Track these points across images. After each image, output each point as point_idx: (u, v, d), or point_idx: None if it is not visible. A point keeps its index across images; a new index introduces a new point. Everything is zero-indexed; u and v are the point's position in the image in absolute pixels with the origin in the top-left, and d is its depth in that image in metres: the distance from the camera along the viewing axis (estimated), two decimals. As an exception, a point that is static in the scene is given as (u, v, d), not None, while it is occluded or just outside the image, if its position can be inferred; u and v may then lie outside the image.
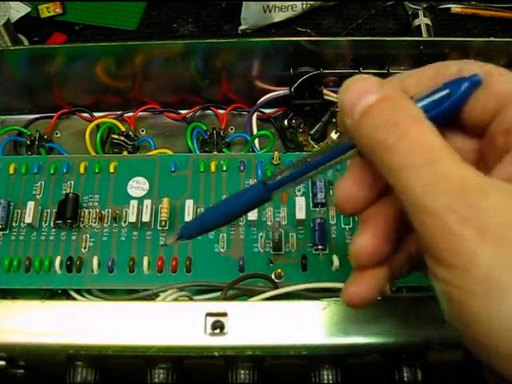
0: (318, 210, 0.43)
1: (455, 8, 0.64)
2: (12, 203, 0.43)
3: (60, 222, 0.41)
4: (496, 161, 0.22)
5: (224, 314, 0.30)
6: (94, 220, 0.42)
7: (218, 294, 0.37)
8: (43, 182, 0.44)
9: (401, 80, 0.24)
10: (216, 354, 0.30)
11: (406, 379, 0.32)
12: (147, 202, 0.42)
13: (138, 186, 0.44)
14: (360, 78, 0.23)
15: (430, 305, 0.31)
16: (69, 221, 0.41)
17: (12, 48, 0.51)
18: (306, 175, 0.25)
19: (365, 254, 0.23)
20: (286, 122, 0.50)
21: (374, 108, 0.22)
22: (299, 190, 0.43)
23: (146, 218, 0.41)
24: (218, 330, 0.30)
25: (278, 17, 0.62)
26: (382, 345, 0.30)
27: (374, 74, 0.46)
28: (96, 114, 0.52)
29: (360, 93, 0.22)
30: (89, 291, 0.40)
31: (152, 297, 0.38)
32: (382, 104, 0.22)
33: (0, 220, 0.41)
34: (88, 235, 0.42)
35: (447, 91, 0.23)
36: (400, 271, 0.25)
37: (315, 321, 0.30)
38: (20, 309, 0.31)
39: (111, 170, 0.44)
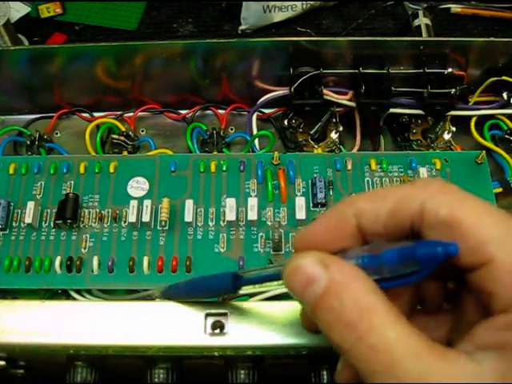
0: (317, 210, 0.43)
1: (455, 8, 0.64)
2: (12, 203, 0.43)
3: (60, 221, 0.41)
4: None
5: (224, 314, 0.30)
6: (93, 220, 0.42)
7: (218, 294, 0.37)
8: (43, 182, 0.44)
9: (357, 208, 0.23)
10: (216, 353, 0.30)
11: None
12: (147, 202, 0.42)
13: (138, 186, 0.44)
14: (303, 263, 0.21)
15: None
16: (69, 221, 0.41)
17: (12, 48, 0.51)
18: (274, 282, 0.25)
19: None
20: (286, 122, 0.50)
21: (323, 302, 0.20)
22: (299, 190, 0.43)
23: (145, 218, 0.41)
24: (218, 330, 0.30)
25: (278, 17, 0.62)
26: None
27: (374, 74, 0.47)
28: (96, 114, 0.52)
29: (305, 282, 0.21)
30: (89, 291, 0.40)
31: (152, 297, 0.38)
32: (329, 297, 0.20)
33: (0, 220, 0.41)
34: (88, 235, 0.42)
35: (415, 268, 0.20)
36: None
37: (315, 321, 0.30)
38: (20, 309, 0.31)
39: (111, 170, 0.44)
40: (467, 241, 0.20)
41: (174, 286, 0.32)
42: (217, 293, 0.29)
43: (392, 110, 0.48)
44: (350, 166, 0.44)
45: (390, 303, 0.20)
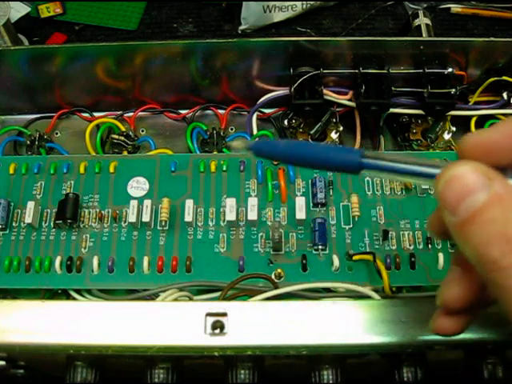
0: (317, 209, 0.43)
1: (455, 8, 0.64)
2: (12, 203, 0.43)
3: (60, 221, 0.41)
4: None
5: (224, 314, 0.30)
6: (93, 220, 0.42)
7: (217, 294, 0.37)
8: (43, 182, 0.44)
9: None
10: (216, 353, 0.30)
11: (405, 379, 0.32)
12: (147, 202, 0.42)
13: (137, 186, 0.44)
14: (464, 171, 0.20)
15: (430, 305, 0.31)
16: (69, 221, 0.41)
17: (12, 48, 0.51)
18: (399, 175, 0.23)
19: (453, 304, 0.23)
20: (286, 122, 0.50)
21: (484, 214, 0.19)
22: (299, 190, 0.43)
23: (146, 218, 0.41)
24: (218, 330, 0.30)
25: (278, 17, 0.62)
26: (382, 345, 0.30)
27: (374, 74, 0.47)
28: (96, 114, 0.52)
29: (465, 190, 0.20)
30: (89, 291, 0.40)
31: (152, 297, 0.38)
32: (492, 210, 0.19)
33: (0, 220, 0.41)
34: (88, 235, 0.42)
35: None
36: (481, 307, 0.24)
37: (315, 321, 0.30)
38: (20, 309, 0.31)
39: (111, 170, 0.44)
40: None
41: (271, 143, 0.28)
42: (335, 166, 0.25)
43: (392, 110, 0.48)
44: (350, 166, 0.44)
45: None
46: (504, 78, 0.47)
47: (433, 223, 0.24)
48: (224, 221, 0.42)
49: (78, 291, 0.40)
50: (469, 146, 0.22)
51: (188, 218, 0.41)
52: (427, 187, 0.42)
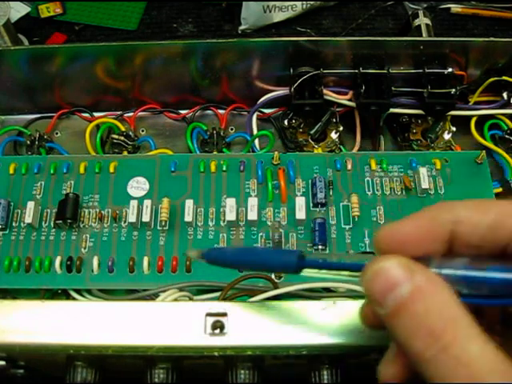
0: (317, 209, 0.43)
1: (455, 8, 0.64)
2: (12, 203, 0.43)
3: (60, 221, 0.41)
4: None
5: (224, 314, 0.30)
6: (93, 220, 0.42)
7: (217, 294, 0.37)
8: (43, 182, 0.44)
9: (456, 215, 0.22)
10: (216, 353, 0.30)
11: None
12: (147, 202, 0.42)
13: (138, 186, 0.44)
14: (387, 266, 0.21)
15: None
16: (69, 221, 0.41)
17: (12, 48, 0.51)
18: (344, 272, 0.24)
19: (392, 381, 0.23)
20: (286, 122, 0.50)
21: (407, 307, 0.20)
22: (299, 190, 0.43)
23: (146, 218, 0.41)
24: (217, 330, 0.30)
25: (278, 17, 0.62)
26: (382, 345, 0.30)
27: (374, 74, 0.47)
28: (96, 114, 0.52)
29: (389, 284, 0.20)
30: (89, 291, 0.40)
31: (152, 297, 0.38)
32: (415, 303, 0.20)
33: (0, 220, 0.41)
34: (88, 235, 0.42)
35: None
36: None
37: (315, 321, 0.30)
38: (20, 309, 0.31)
39: (111, 170, 0.44)
40: None
41: (222, 250, 0.30)
42: (275, 269, 0.27)
43: (392, 110, 0.48)
44: (349, 166, 0.44)
45: (472, 317, 0.20)
46: (504, 78, 0.47)
47: (366, 316, 0.25)
48: (224, 221, 0.42)
49: (78, 291, 0.40)
50: (383, 240, 0.23)
51: (188, 218, 0.41)
52: (427, 187, 0.42)
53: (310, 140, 0.48)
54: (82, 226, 0.42)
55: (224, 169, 0.44)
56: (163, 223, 0.42)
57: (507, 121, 0.49)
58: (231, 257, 0.28)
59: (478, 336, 0.19)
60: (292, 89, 0.48)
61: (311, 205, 0.43)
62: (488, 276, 0.20)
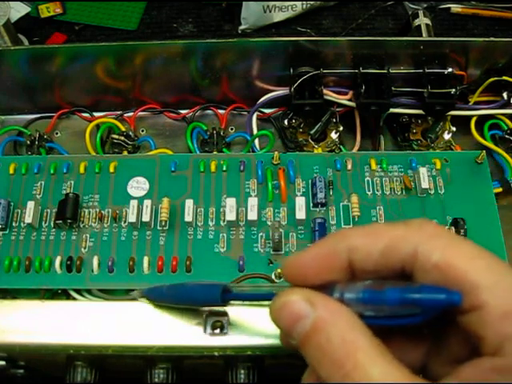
0: (317, 209, 0.43)
1: (455, 8, 0.64)
2: (12, 203, 0.43)
3: (60, 221, 0.41)
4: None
5: (224, 314, 0.30)
6: (93, 220, 0.42)
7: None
8: (43, 182, 0.44)
9: (349, 243, 0.23)
10: (216, 353, 0.30)
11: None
12: (147, 202, 0.42)
13: (138, 186, 0.44)
14: (292, 299, 0.22)
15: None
16: (69, 221, 0.41)
17: (12, 48, 0.51)
18: (264, 302, 0.25)
19: None
20: (285, 122, 0.50)
21: (311, 339, 0.21)
22: (299, 190, 0.43)
23: (145, 217, 0.41)
24: (218, 330, 0.30)
25: (278, 17, 0.62)
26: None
27: (374, 74, 0.47)
28: (96, 114, 0.52)
29: (294, 317, 0.21)
30: (89, 291, 0.40)
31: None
32: (317, 335, 0.21)
33: (0, 220, 0.41)
34: (88, 235, 0.42)
35: (414, 310, 0.20)
36: None
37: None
38: (20, 309, 0.31)
39: (111, 170, 0.44)
40: (459, 286, 0.20)
41: (158, 289, 0.31)
42: (203, 303, 0.29)
43: (392, 110, 0.48)
44: (349, 166, 0.44)
45: (374, 339, 0.20)
46: (504, 78, 0.47)
47: (285, 341, 0.25)
48: (224, 221, 0.42)
49: (78, 291, 0.40)
50: (288, 269, 0.24)
51: (188, 217, 0.41)
52: (427, 187, 0.42)
53: (310, 140, 0.48)
54: (82, 225, 0.42)
55: (224, 169, 0.44)
56: (163, 223, 0.42)
57: (507, 121, 0.49)
58: (165, 294, 0.30)
59: (380, 357, 0.20)
60: (292, 89, 0.48)
61: (311, 205, 0.43)
62: (386, 297, 0.20)
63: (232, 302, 0.27)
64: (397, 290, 0.20)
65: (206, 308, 0.30)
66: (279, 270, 0.40)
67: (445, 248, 0.21)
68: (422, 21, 0.55)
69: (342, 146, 0.49)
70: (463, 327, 0.21)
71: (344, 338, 0.20)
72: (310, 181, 0.44)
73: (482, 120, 0.49)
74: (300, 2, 0.62)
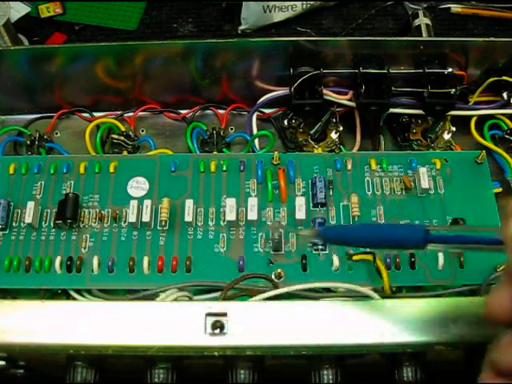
0: (318, 209, 0.43)
1: (455, 8, 0.64)
2: (12, 203, 0.43)
3: (60, 221, 0.41)
4: None
5: (224, 314, 0.30)
6: (93, 220, 0.42)
7: (217, 294, 0.37)
8: (43, 182, 0.44)
9: None
10: (216, 353, 0.30)
11: (405, 379, 0.32)
12: (147, 202, 0.42)
13: (138, 186, 0.44)
14: None
15: (429, 304, 0.31)
16: (69, 221, 0.41)
17: (12, 48, 0.51)
18: (462, 245, 0.24)
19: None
20: (285, 122, 0.50)
21: None
22: (299, 190, 0.43)
23: (145, 218, 0.41)
24: (217, 330, 0.30)
25: (278, 17, 0.62)
26: (383, 345, 0.30)
27: (374, 74, 0.47)
28: (96, 114, 0.52)
29: None
30: (89, 291, 0.40)
31: (152, 297, 0.38)
32: None
33: (0, 220, 0.41)
34: (88, 235, 0.42)
35: None
36: None
37: (315, 321, 0.30)
38: (20, 309, 0.31)
39: (111, 170, 0.44)
40: None
41: (339, 228, 0.29)
42: (400, 245, 0.26)
43: (392, 110, 0.48)
44: (349, 166, 0.44)
45: None
46: (504, 78, 0.47)
47: (496, 307, 0.23)
48: (224, 221, 0.42)
49: (78, 291, 0.40)
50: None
51: (188, 217, 0.41)
52: (427, 187, 0.42)
53: (310, 140, 0.48)
54: (81, 225, 0.42)
55: (224, 169, 0.44)
56: (163, 223, 0.42)
57: (507, 121, 0.49)
58: (351, 234, 0.27)
59: None
60: (292, 89, 0.48)
61: (311, 205, 0.43)
62: None
63: (433, 244, 0.25)
64: None
65: (207, 308, 0.30)
66: (279, 270, 0.40)
67: None
68: (422, 21, 0.55)
69: (341, 146, 0.49)
70: None
71: None
72: (309, 181, 0.44)
73: (481, 120, 0.49)
74: (300, 2, 0.62)
